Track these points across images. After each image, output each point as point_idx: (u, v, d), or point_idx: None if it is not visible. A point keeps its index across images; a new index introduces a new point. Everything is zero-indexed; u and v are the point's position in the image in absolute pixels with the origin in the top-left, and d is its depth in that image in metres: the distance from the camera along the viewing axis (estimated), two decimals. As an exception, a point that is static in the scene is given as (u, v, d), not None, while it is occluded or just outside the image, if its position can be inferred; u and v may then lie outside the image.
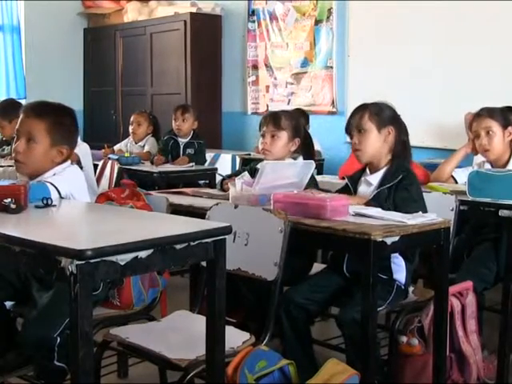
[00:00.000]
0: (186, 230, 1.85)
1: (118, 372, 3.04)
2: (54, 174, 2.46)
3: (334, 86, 6.45)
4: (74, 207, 2.40)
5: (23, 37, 7.98)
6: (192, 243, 1.80)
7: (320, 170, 5.32)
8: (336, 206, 2.38)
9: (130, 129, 5.72)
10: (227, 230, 1.90)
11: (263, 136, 3.14)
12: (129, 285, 2.51)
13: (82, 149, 4.29)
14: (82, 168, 3.76)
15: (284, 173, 2.71)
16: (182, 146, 5.47)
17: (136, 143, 5.71)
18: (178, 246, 1.77)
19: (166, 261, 1.77)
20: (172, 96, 7.35)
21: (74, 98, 7.68)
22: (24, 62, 7.98)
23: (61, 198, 2.38)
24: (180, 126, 5.44)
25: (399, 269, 2.65)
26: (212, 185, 4.73)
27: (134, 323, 2.49)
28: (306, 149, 3.24)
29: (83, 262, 1.55)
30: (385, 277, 2.60)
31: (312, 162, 2.84)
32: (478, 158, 3.60)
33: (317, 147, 5.68)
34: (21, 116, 2.50)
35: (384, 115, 2.74)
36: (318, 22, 6.55)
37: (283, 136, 3.10)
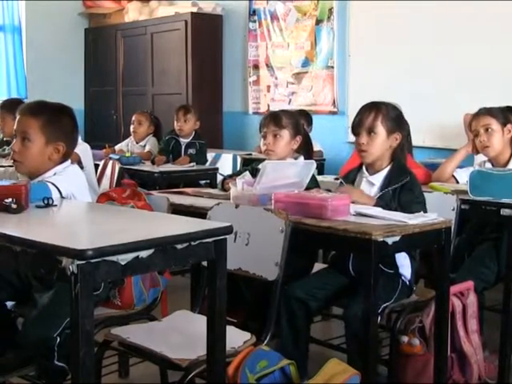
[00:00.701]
0: (187, 229, 1.85)
1: (118, 372, 3.04)
2: (55, 174, 2.46)
3: (335, 86, 6.45)
4: (75, 207, 2.40)
5: (24, 37, 7.98)
6: (193, 243, 1.80)
7: (321, 169, 5.32)
8: (337, 205, 2.37)
9: (131, 128, 5.73)
10: (228, 230, 1.89)
11: (264, 137, 3.14)
12: (130, 285, 2.51)
13: (83, 149, 4.29)
14: (82, 168, 3.77)
15: (285, 173, 2.71)
16: (183, 146, 5.48)
17: (137, 143, 5.71)
18: (179, 246, 1.77)
19: (166, 261, 1.77)
20: (173, 96, 7.35)
21: (74, 98, 7.68)
22: (25, 62, 7.99)
23: (62, 197, 2.37)
24: (182, 127, 5.45)
25: (404, 263, 2.65)
26: (213, 185, 4.73)
27: (135, 323, 2.48)
28: (306, 149, 3.24)
29: (84, 261, 1.55)
30: (390, 271, 2.61)
31: (313, 161, 2.84)
32: (479, 158, 3.60)
33: (318, 147, 5.70)
34: (18, 116, 2.51)
35: (395, 121, 2.73)
36: (318, 21, 6.54)
37: (285, 134, 3.11)
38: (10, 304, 2.58)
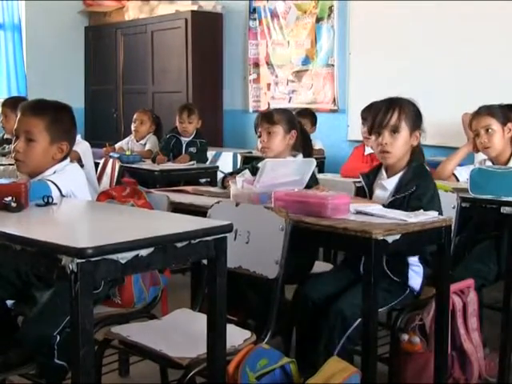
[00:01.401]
0: (187, 228, 1.85)
1: (119, 370, 3.04)
2: (55, 172, 2.46)
3: (335, 84, 6.45)
4: (75, 205, 2.40)
5: (24, 35, 7.97)
6: (193, 241, 1.80)
7: (321, 168, 5.32)
8: (337, 204, 2.37)
9: (133, 127, 5.73)
10: (228, 228, 1.89)
11: (260, 136, 3.16)
12: (130, 283, 2.51)
13: (83, 147, 4.30)
14: (82, 166, 3.77)
15: (285, 171, 2.71)
16: (184, 145, 5.48)
17: (137, 141, 5.71)
18: (179, 244, 1.77)
19: (166, 259, 1.77)
20: (173, 94, 7.35)
21: (74, 97, 7.68)
22: (25, 61, 7.98)
23: (62, 196, 2.37)
24: (186, 128, 5.47)
25: (416, 276, 2.62)
26: (213, 183, 4.73)
27: (135, 321, 2.48)
28: (304, 146, 3.24)
29: (84, 260, 1.55)
30: (398, 280, 2.60)
31: (313, 159, 2.83)
32: (480, 156, 3.60)
33: (319, 146, 5.70)
34: (18, 115, 2.50)
35: (416, 118, 2.62)
36: (319, 19, 6.54)
37: (278, 130, 3.11)
38: (9, 302, 2.58)
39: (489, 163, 3.34)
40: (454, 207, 2.81)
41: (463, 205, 2.85)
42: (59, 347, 2.24)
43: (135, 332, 2.27)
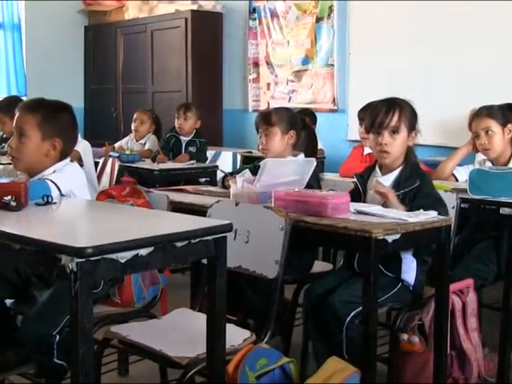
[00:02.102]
0: (187, 227, 1.85)
1: (118, 370, 3.04)
2: (54, 172, 2.46)
3: (335, 84, 6.45)
4: (75, 205, 2.40)
5: (24, 34, 7.97)
6: (193, 241, 1.80)
7: (321, 167, 5.32)
8: (337, 203, 2.37)
9: (133, 126, 5.72)
10: (228, 228, 1.89)
11: (260, 137, 3.16)
12: (129, 282, 2.51)
13: (83, 146, 4.29)
14: (82, 166, 3.77)
15: (285, 170, 2.70)
16: (183, 144, 5.48)
17: (137, 141, 5.71)
18: (179, 244, 1.77)
19: (166, 258, 1.77)
20: (173, 94, 7.35)
21: (74, 96, 7.67)
22: (24, 60, 7.98)
23: (61, 195, 2.37)
24: (182, 125, 5.45)
25: (409, 270, 2.62)
26: (213, 182, 4.73)
27: (135, 321, 2.48)
28: (310, 146, 3.24)
29: (83, 259, 1.55)
30: (391, 275, 2.60)
31: (313, 159, 2.83)
32: (479, 156, 3.60)
33: (320, 145, 5.70)
34: (16, 114, 2.51)
35: (413, 119, 2.65)
36: (318, 19, 6.54)
37: (276, 131, 3.11)
38: (9, 302, 2.58)
39: (489, 163, 3.34)
40: (453, 207, 2.81)
41: (462, 205, 2.85)
42: (58, 347, 2.24)
43: (135, 331, 2.26)
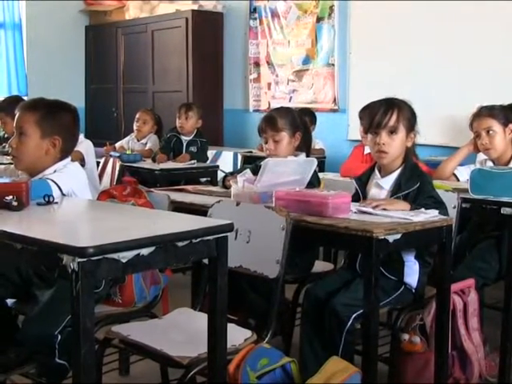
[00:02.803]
0: (188, 227, 1.85)
1: (119, 369, 3.05)
2: (55, 171, 2.46)
3: (336, 84, 6.44)
4: (76, 204, 2.40)
5: (25, 34, 7.97)
6: (194, 241, 1.80)
7: (322, 167, 5.32)
8: (338, 203, 2.37)
9: (135, 126, 5.72)
10: (229, 228, 1.89)
11: (266, 142, 3.12)
12: (130, 282, 2.51)
13: (86, 146, 4.29)
14: (84, 165, 3.77)
15: (286, 170, 2.70)
16: (184, 144, 5.48)
17: (138, 140, 5.71)
18: (180, 244, 1.77)
19: (167, 258, 1.77)
20: (173, 93, 7.35)
21: (75, 96, 7.65)
22: (25, 60, 7.98)
23: (62, 195, 2.37)
24: (183, 124, 5.45)
25: (412, 272, 2.62)
26: (213, 182, 4.73)
27: (136, 321, 2.48)
28: (305, 144, 3.23)
29: (85, 259, 1.55)
30: (394, 278, 2.60)
31: (314, 159, 2.83)
32: (481, 156, 3.60)
33: (320, 145, 5.71)
34: (17, 113, 2.51)
35: (412, 119, 2.64)
36: (319, 19, 6.53)
37: (284, 136, 3.07)
38: (10, 301, 2.58)
39: (490, 163, 3.34)
40: (454, 207, 2.80)
41: (463, 205, 2.85)
42: (60, 346, 2.24)
43: (136, 331, 2.26)
